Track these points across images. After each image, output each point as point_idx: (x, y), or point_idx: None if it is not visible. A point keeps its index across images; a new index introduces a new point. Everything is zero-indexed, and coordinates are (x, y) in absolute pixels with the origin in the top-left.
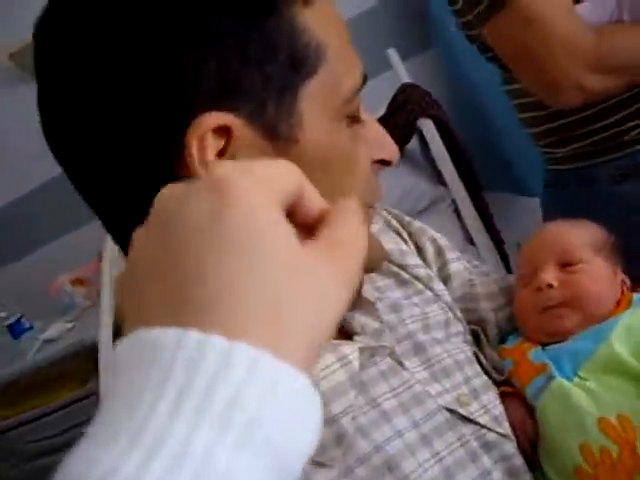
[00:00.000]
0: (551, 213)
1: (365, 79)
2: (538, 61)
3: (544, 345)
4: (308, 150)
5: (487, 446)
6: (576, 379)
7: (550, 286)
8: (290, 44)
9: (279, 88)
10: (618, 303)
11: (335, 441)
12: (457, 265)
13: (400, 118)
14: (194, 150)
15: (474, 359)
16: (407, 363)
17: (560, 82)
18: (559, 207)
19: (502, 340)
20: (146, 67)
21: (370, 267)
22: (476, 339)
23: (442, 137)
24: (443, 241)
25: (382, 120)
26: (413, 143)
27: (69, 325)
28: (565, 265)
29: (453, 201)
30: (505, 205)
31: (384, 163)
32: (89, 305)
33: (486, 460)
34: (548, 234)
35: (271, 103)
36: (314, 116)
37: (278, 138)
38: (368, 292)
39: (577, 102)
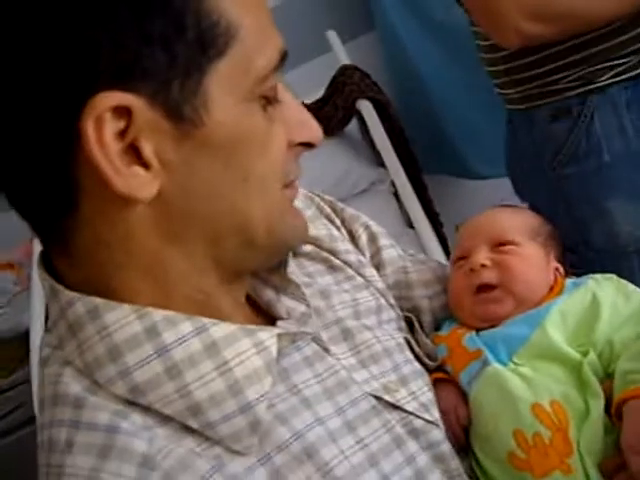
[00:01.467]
0: (509, 150)
1: (284, 58)
2: (485, 3)
3: (478, 330)
4: (215, 133)
5: (414, 432)
6: (511, 364)
7: (483, 266)
8: (198, 23)
9: (185, 68)
10: (551, 289)
11: (250, 429)
12: (391, 252)
13: (339, 100)
14: (90, 130)
15: (405, 346)
16: (333, 349)
17: (501, 24)
18: (513, 145)
19: (437, 328)
20: (41, 45)
21: (292, 245)
22: (410, 326)
23: (381, 119)
24: (377, 227)
25: (321, 102)
26: (352, 125)
27: None
28: (498, 246)
29: (392, 183)
30: (444, 188)
31: (306, 145)
32: (20, 290)
33: (412, 446)
34: (484, 217)
35: (176, 84)
36: (222, 97)
37: (182, 120)
38: (296, 276)
39: (514, 44)
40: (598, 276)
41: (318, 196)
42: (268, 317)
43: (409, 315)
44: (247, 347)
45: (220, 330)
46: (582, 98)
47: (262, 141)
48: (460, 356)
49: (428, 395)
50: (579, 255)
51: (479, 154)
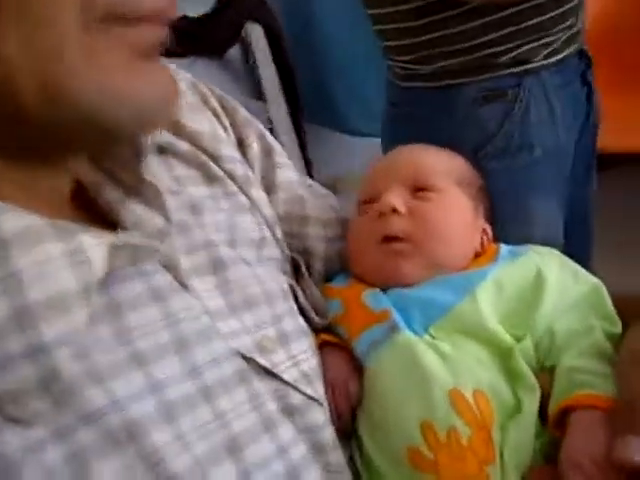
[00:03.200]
0: (394, 131)
1: None
2: None
3: (384, 289)
4: None
5: (289, 410)
6: (426, 336)
7: (395, 212)
8: None
9: None
10: (477, 255)
11: (40, 384)
12: (288, 174)
13: (227, 18)
14: None
15: (290, 294)
16: (195, 283)
17: None
18: (404, 129)
19: (329, 279)
20: None
21: (152, 117)
22: (296, 271)
23: (271, 49)
24: (274, 141)
25: (206, 17)
26: (235, 50)
27: None
28: (415, 191)
29: (269, 120)
30: (321, 140)
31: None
32: None
33: (285, 431)
34: (401, 155)
35: None
36: None
37: None
38: (159, 179)
39: None
40: (540, 248)
41: (206, 86)
42: (105, 225)
43: (296, 257)
44: (55, 254)
45: (12, 221)
46: (518, 78)
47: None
48: (359, 316)
49: (312, 362)
50: None
51: (362, 111)
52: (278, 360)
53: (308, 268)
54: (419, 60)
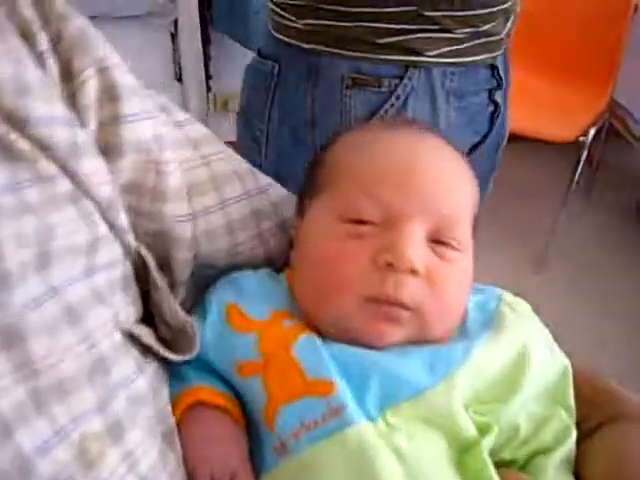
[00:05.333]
0: (257, 84)
1: None
2: None
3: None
4: None
5: None
6: (380, 423)
7: (413, 272)
8: None
9: None
10: None
11: None
12: (145, 126)
13: None
14: None
15: (129, 342)
16: None
17: None
18: (268, 83)
19: (208, 277)
20: None
21: None
22: (143, 269)
23: None
24: (125, 75)
25: None
26: None
27: None
28: (439, 243)
29: (175, 22)
30: (226, 52)
31: None
32: None
33: None
34: (424, 166)
35: None
36: None
37: None
38: None
39: None
40: (511, 301)
41: None
42: None
43: (144, 253)
44: None
45: None
46: (399, 68)
47: None
48: (285, 376)
49: (151, 456)
50: None
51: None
52: (107, 471)
53: (166, 265)
54: (295, 11)
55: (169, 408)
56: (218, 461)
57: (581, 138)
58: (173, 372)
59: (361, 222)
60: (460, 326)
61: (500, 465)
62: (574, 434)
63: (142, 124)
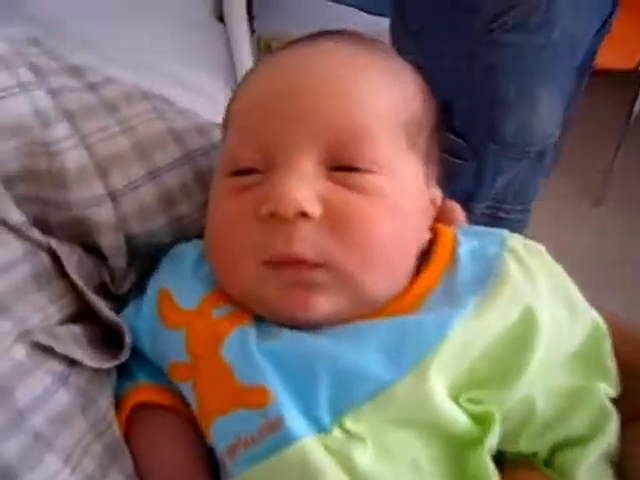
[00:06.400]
0: None
1: None
2: None
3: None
4: None
5: None
6: (336, 433)
7: (304, 215)
8: None
9: None
10: (423, 255)
11: None
12: (19, 102)
13: None
14: None
15: (41, 354)
16: None
17: None
18: None
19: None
20: None
21: None
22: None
23: None
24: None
25: None
26: None
27: None
28: (339, 169)
29: None
30: None
31: None
32: None
33: None
34: (309, 80)
35: None
36: None
37: None
38: None
39: None
40: (517, 244)
41: None
42: None
43: (55, 248)
44: None
45: None
46: None
47: None
48: (214, 383)
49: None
50: (471, 143)
51: None
52: None
53: (99, 253)
54: None
55: (110, 416)
56: (167, 470)
57: None
58: (121, 368)
59: (245, 172)
60: (442, 284)
61: (517, 461)
62: (616, 417)
63: (13, 100)
